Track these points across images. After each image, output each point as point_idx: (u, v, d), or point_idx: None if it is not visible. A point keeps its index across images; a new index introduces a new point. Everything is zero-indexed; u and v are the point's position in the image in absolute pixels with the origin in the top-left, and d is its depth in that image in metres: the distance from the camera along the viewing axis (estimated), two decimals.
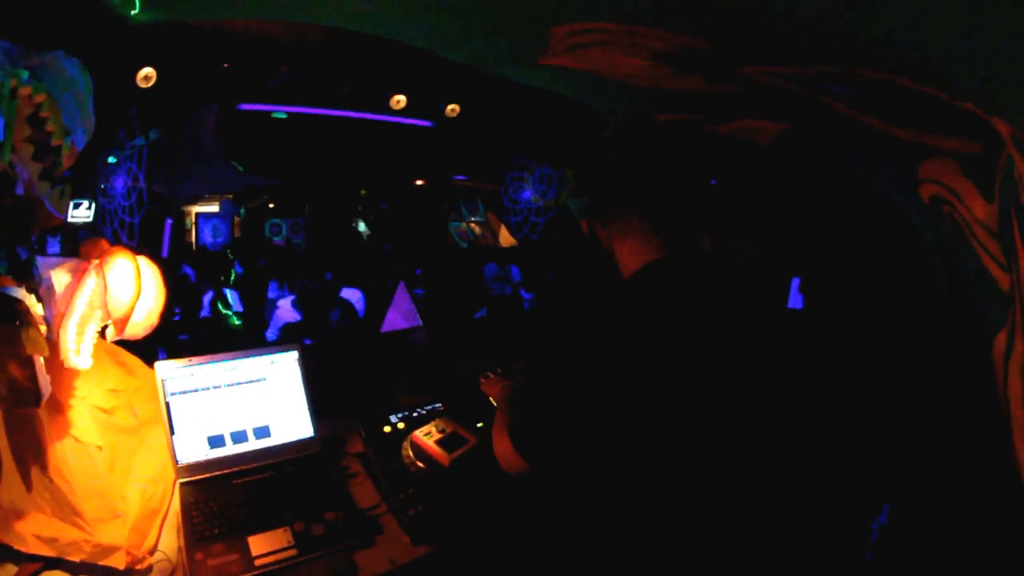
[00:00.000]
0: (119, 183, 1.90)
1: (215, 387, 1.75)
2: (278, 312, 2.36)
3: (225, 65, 1.86)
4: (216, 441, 1.72)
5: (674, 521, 1.29)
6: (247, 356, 1.82)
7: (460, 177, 3.08)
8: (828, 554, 2.02)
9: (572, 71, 1.98)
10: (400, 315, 2.54)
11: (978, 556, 1.88)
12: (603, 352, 1.26)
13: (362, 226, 2.89)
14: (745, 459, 1.34)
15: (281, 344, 2.01)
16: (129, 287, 1.53)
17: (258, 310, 2.31)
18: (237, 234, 2.64)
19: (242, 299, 2.35)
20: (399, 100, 2.23)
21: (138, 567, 1.48)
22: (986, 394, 1.81)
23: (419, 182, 3.02)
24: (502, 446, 1.36)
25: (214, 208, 2.58)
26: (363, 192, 2.89)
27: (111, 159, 1.88)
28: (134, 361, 1.72)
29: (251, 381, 1.80)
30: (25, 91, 1.39)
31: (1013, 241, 1.61)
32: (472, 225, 3.14)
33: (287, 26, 1.89)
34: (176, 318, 2.25)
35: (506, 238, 3.28)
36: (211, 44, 1.86)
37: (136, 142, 1.86)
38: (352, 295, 2.43)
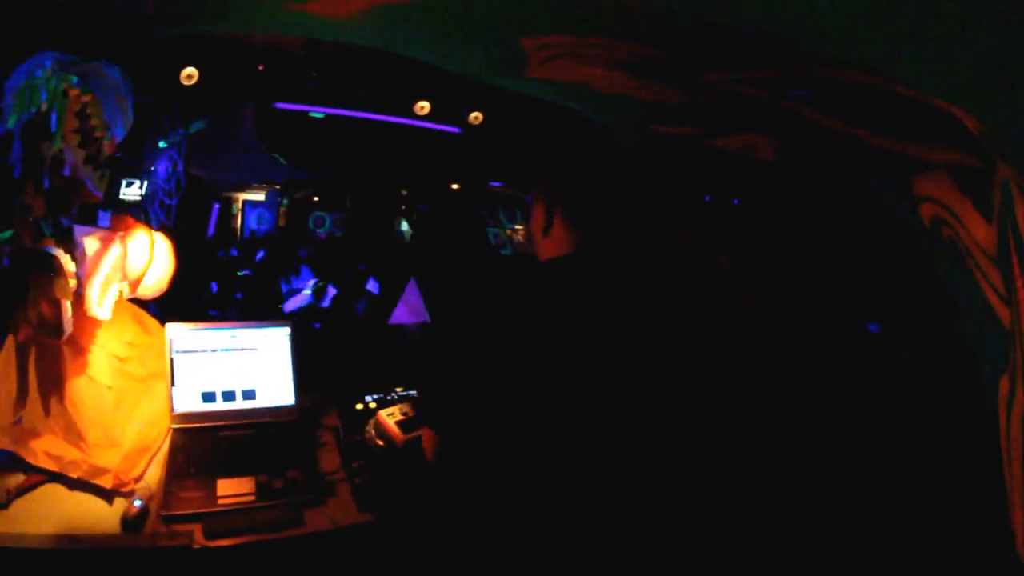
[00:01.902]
0: (161, 168, 2.26)
1: (214, 350, 2.04)
2: (299, 296, 2.66)
3: (259, 67, 2.15)
4: (208, 397, 2.01)
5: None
6: (245, 327, 2.10)
7: (496, 184, 3.21)
8: None
9: (561, 83, 2.05)
10: (408, 310, 2.70)
11: None
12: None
13: (404, 225, 3.06)
14: None
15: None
16: (143, 256, 1.85)
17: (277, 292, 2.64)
18: (282, 223, 2.90)
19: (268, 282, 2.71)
20: (423, 106, 2.42)
21: (123, 489, 1.78)
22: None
23: (454, 186, 3.19)
24: None
25: (260, 197, 2.87)
26: (404, 192, 3.08)
27: (161, 143, 2.24)
28: (152, 323, 2.06)
29: (246, 349, 2.08)
30: (74, 92, 1.75)
31: (1011, 269, 1.45)
32: (510, 232, 3.23)
33: (302, 39, 2.16)
34: (208, 291, 2.61)
35: None
36: (245, 50, 2.16)
37: (178, 132, 2.21)
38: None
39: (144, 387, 1.99)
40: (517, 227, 3.38)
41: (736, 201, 2.55)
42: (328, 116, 2.45)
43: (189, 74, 2.10)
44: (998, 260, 1.53)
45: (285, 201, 2.98)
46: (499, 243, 3.38)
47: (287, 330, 2.15)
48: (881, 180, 1.80)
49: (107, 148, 1.94)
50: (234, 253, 2.65)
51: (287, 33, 1.99)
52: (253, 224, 2.91)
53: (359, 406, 2.10)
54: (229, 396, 2.04)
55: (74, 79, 1.76)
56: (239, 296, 2.53)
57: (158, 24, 1.87)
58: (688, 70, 1.73)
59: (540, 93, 2.24)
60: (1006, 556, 1.55)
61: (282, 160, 2.77)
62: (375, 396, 2.16)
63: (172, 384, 1.99)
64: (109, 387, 1.89)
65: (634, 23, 1.47)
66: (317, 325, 2.66)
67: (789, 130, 1.83)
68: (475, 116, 2.55)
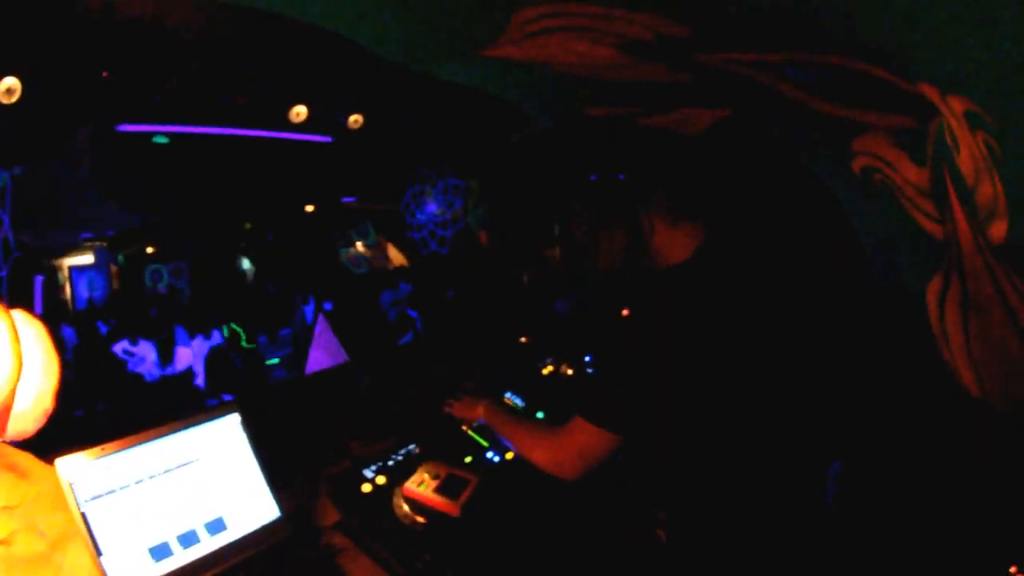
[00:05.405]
0: None
1: (139, 481, 1.32)
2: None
3: (103, 73, 1.48)
4: (161, 552, 1.29)
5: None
6: (175, 432, 1.42)
7: (349, 200, 2.83)
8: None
9: (510, 63, 1.88)
10: (324, 352, 2.24)
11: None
12: (674, 335, 1.32)
13: (246, 264, 2.43)
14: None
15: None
16: (4, 360, 1.12)
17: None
18: (115, 286, 2.05)
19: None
20: (299, 112, 1.96)
21: None
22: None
23: (309, 208, 2.69)
24: (567, 444, 1.37)
25: (88, 259, 1.98)
26: (248, 226, 2.46)
27: None
28: (26, 460, 1.25)
29: (188, 463, 1.40)
30: None
31: (948, 196, 1.82)
32: (363, 249, 2.85)
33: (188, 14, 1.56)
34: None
35: (396, 257, 3.08)
36: (86, 45, 1.47)
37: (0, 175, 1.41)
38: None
39: (50, 569, 1.21)
40: (368, 242, 2.92)
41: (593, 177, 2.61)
42: (174, 140, 1.80)
43: (9, 87, 1.32)
44: (930, 192, 1.92)
45: (120, 258, 2.01)
46: (354, 263, 2.89)
47: (236, 418, 1.53)
48: (814, 143, 2.09)
49: None
50: (68, 333, 1.70)
51: None
52: (85, 292, 1.90)
53: (366, 487, 1.63)
54: (189, 540, 1.33)
55: None
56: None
57: None
58: (707, 50, 1.73)
59: (467, 78, 2.00)
60: None
61: (115, 205, 1.89)
62: (374, 467, 1.71)
63: (97, 552, 1.27)
64: None
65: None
66: (228, 397, 1.98)
67: (748, 103, 1.98)
68: (355, 119, 2.15)
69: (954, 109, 1.59)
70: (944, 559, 1.92)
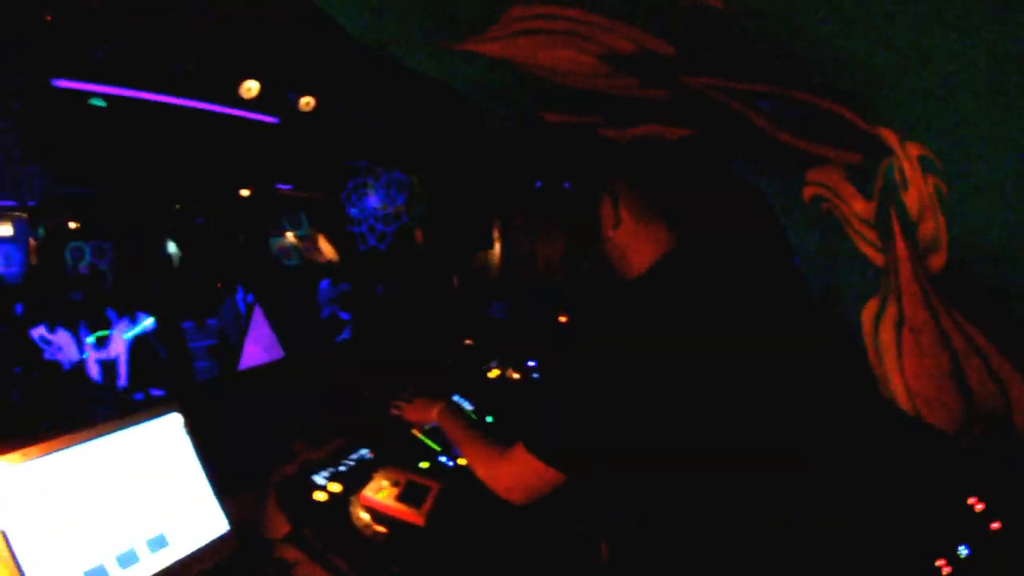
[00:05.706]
0: None
1: (72, 491, 1.17)
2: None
3: (47, 17, 1.29)
4: (97, 575, 1.17)
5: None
6: (110, 433, 1.26)
7: (286, 187, 2.64)
8: None
9: (480, 60, 1.84)
10: (260, 347, 2.08)
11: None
12: (641, 356, 1.15)
13: (172, 247, 2.22)
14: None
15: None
16: None
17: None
18: (33, 261, 1.80)
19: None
20: (250, 88, 1.80)
21: None
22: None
23: (244, 192, 2.48)
24: (510, 471, 1.23)
25: (7, 230, 1.70)
26: (177, 207, 2.24)
27: None
28: None
29: (125, 470, 1.24)
30: None
31: (891, 228, 1.95)
32: (295, 239, 2.68)
33: None
34: None
35: (327, 251, 2.93)
36: None
37: None
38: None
39: None
40: (300, 233, 2.71)
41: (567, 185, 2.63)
42: (111, 105, 1.59)
43: None
44: (875, 224, 2.05)
45: (41, 231, 1.72)
46: (284, 253, 2.70)
47: (177, 418, 1.38)
48: (768, 169, 2.16)
49: None
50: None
51: None
52: (0, 267, 1.60)
53: (319, 495, 1.52)
54: (128, 560, 1.18)
55: None
56: (18, 370, 1.42)
57: None
58: (689, 72, 1.74)
59: (434, 71, 1.92)
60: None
61: (39, 170, 1.62)
62: (325, 473, 1.60)
63: (20, 573, 1.10)
64: None
65: (679, 19, 1.40)
66: (157, 392, 1.78)
67: (716, 126, 2.02)
68: (306, 102, 2.01)
69: (909, 153, 1.69)
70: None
